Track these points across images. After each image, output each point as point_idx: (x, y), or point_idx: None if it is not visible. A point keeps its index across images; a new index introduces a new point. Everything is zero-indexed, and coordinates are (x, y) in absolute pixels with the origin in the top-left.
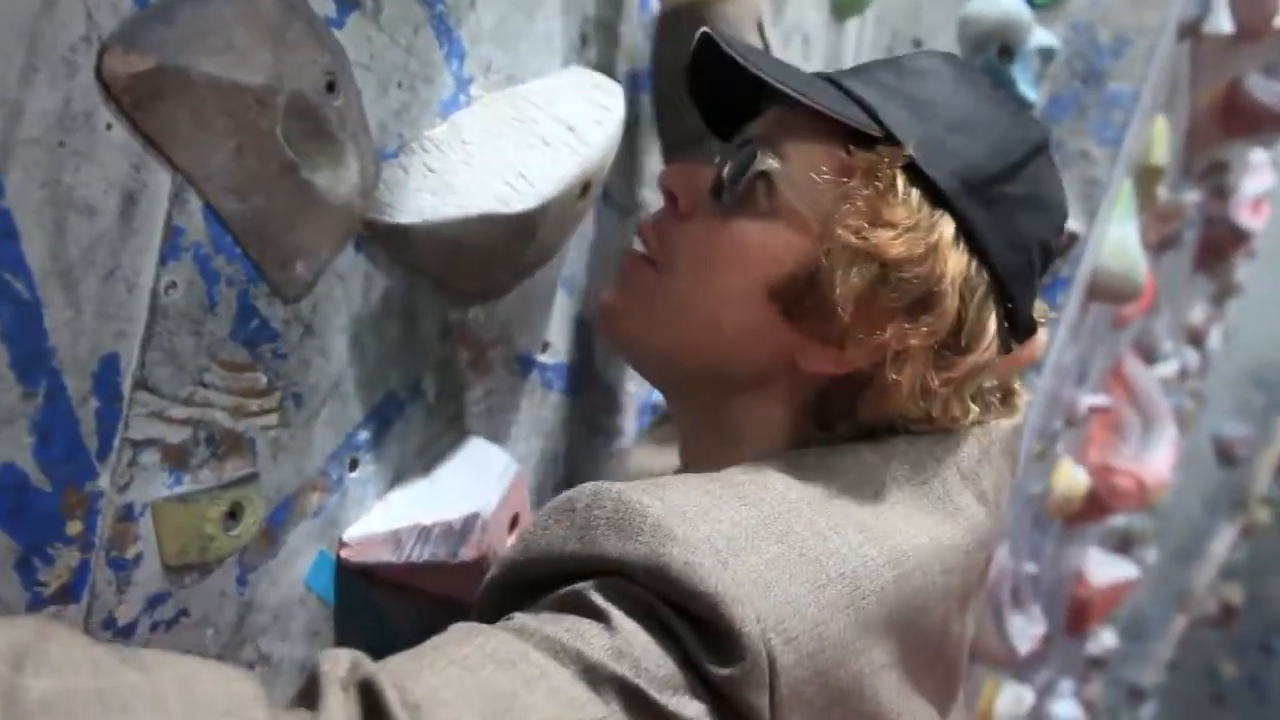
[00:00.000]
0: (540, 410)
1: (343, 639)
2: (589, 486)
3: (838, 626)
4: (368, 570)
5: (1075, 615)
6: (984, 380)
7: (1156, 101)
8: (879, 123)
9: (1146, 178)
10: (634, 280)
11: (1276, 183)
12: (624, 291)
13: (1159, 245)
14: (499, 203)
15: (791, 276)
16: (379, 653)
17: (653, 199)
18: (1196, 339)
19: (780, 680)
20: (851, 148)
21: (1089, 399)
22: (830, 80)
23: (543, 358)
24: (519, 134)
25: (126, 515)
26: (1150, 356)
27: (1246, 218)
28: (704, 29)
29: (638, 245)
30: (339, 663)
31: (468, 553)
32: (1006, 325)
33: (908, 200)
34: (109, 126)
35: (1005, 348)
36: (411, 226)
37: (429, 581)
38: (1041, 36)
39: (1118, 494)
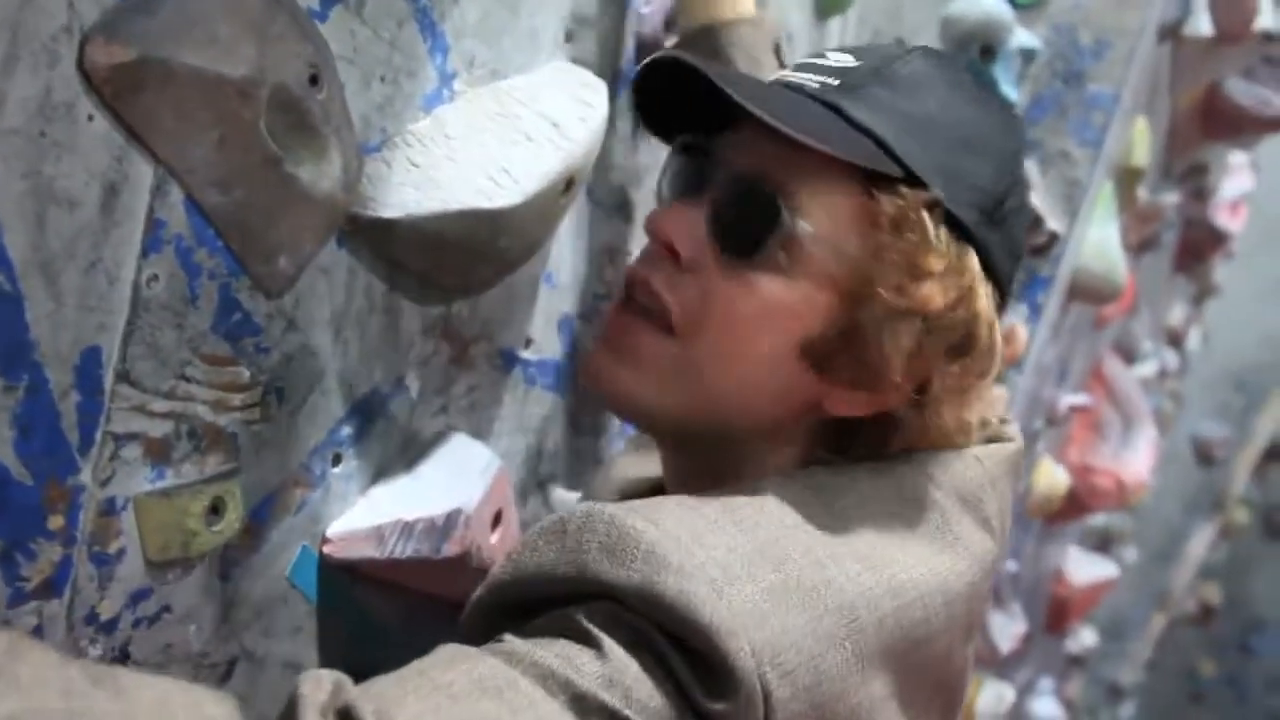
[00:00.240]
0: (523, 406)
1: (325, 635)
2: (582, 508)
3: (836, 659)
4: (351, 566)
5: (1055, 614)
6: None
7: (1137, 103)
8: (897, 160)
9: (1127, 179)
10: (639, 345)
11: (1255, 185)
12: (626, 357)
13: (1139, 246)
14: (482, 198)
15: (824, 335)
16: (362, 648)
17: (637, 196)
18: (1176, 340)
19: (776, 715)
20: (874, 191)
21: (1069, 398)
22: (827, 105)
23: (526, 354)
24: (502, 129)
25: (108, 510)
26: (1130, 357)
27: (1225, 219)
28: (676, 55)
29: (627, 295)
30: (320, 685)
31: (450, 548)
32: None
33: (939, 244)
34: (90, 117)
35: None
36: (395, 221)
37: (412, 577)
38: (1023, 37)
39: (1097, 493)
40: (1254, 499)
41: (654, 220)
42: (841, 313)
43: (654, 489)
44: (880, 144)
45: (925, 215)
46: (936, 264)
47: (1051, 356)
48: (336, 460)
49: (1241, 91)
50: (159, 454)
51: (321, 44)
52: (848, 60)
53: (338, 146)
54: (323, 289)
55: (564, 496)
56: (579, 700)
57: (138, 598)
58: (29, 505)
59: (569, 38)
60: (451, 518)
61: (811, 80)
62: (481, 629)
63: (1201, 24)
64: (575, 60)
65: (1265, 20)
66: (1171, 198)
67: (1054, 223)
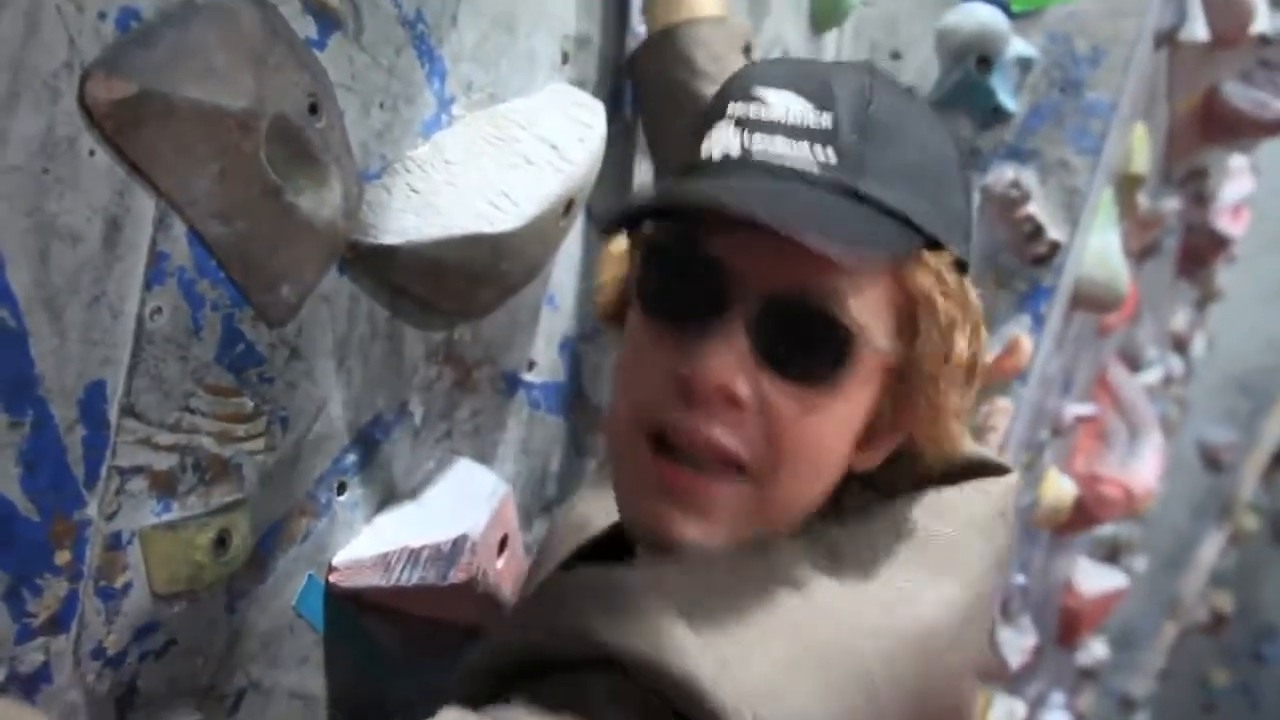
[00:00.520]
0: (527, 430)
1: (333, 664)
2: (588, 572)
3: None
4: (357, 594)
5: (1065, 626)
6: None
7: (1135, 110)
8: (917, 229)
9: (1126, 186)
10: (711, 498)
11: (1256, 188)
12: (697, 511)
13: (1141, 253)
14: (483, 222)
15: (878, 417)
16: (370, 677)
17: None
18: (1180, 345)
19: None
20: (906, 270)
21: (1074, 408)
22: (837, 187)
23: (529, 377)
24: (502, 153)
25: (115, 544)
26: (1135, 364)
27: (1227, 223)
28: (720, 203)
29: (666, 443)
30: None
31: (457, 575)
32: None
33: (959, 292)
34: (92, 152)
35: None
36: (396, 247)
37: (418, 604)
38: (1019, 46)
39: (1105, 503)
40: (1263, 504)
41: (700, 371)
42: (888, 387)
43: (608, 524)
44: (900, 218)
45: (948, 271)
46: (961, 314)
47: (1056, 367)
48: (341, 488)
49: (1239, 95)
50: (165, 486)
51: (320, 72)
52: (820, 119)
53: (338, 174)
54: (325, 317)
55: None
56: None
57: (144, 631)
58: (35, 541)
59: (566, 60)
60: (458, 544)
61: (794, 155)
62: (482, 690)
63: (1198, 29)
64: (573, 82)
65: (1261, 24)
66: (1172, 203)
67: (1055, 232)
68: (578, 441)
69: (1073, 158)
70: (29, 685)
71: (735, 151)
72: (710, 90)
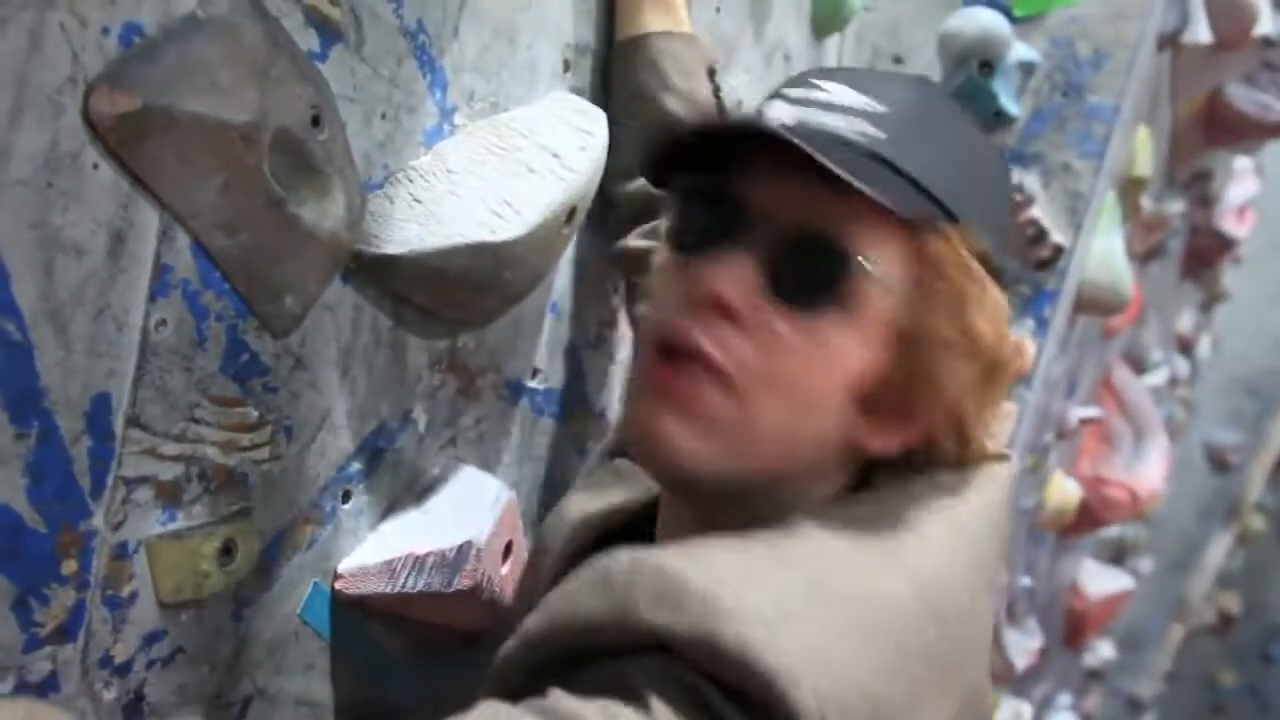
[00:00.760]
0: (531, 436)
1: (338, 671)
2: (624, 555)
3: (891, 693)
4: (362, 601)
5: (1072, 628)
6: None
7: (1138, 113)
8: (942, 207)
9: (1130, 189)
10: (701, 402)
11: (1260, 189)
12: (687, 412)
13: (1145, 255)
14: (485, 231)
15: (879, 377)
16: (375, 683)
17: None
18: (1185, 347)
19: None
20: (923, 234)
21: (1079, 411)
22: (874, 156)
23: (532, 384)
24: (504, 162)
25: (121, 553)
26: (1140, 366)
27: (1231, 225)
28: (756, 122)
29: (665, 348)
30: None
31: (462, 581)
32: None
33: (984, 279)
34: (96, 166)
35: None
36: (399, 257)
37: (424, 611)
38: (1022, 51)
39: (1110, 505)
40: (1270, 505)
41: (700, 276)
42: (896, 353)
43: (607, 519)
44: (927, 193)
45: (969, 254)
46: (984, 298)
47: (1060, 370)
48: (346, 496)
49: (1242, 97)
50: (170, 496)
51: (322, 84)
52: (875, 106)
53: (341, 185)
54: (329, 326)
55: None
56: None
57: (151, 640)
58: (43, 552)
59: (567, 68)
60: (462, 550)
61: (845, 126)
62: (517, 684)
63: (1201, 31)
64: (574, 90)
65: (1264, 26)
66: (1176, 205)
67: (1058, 236)
68: (581, 447)
69: (1076, 161)
70: (37, 694)
71: (789, 120)
72: (674, 105)
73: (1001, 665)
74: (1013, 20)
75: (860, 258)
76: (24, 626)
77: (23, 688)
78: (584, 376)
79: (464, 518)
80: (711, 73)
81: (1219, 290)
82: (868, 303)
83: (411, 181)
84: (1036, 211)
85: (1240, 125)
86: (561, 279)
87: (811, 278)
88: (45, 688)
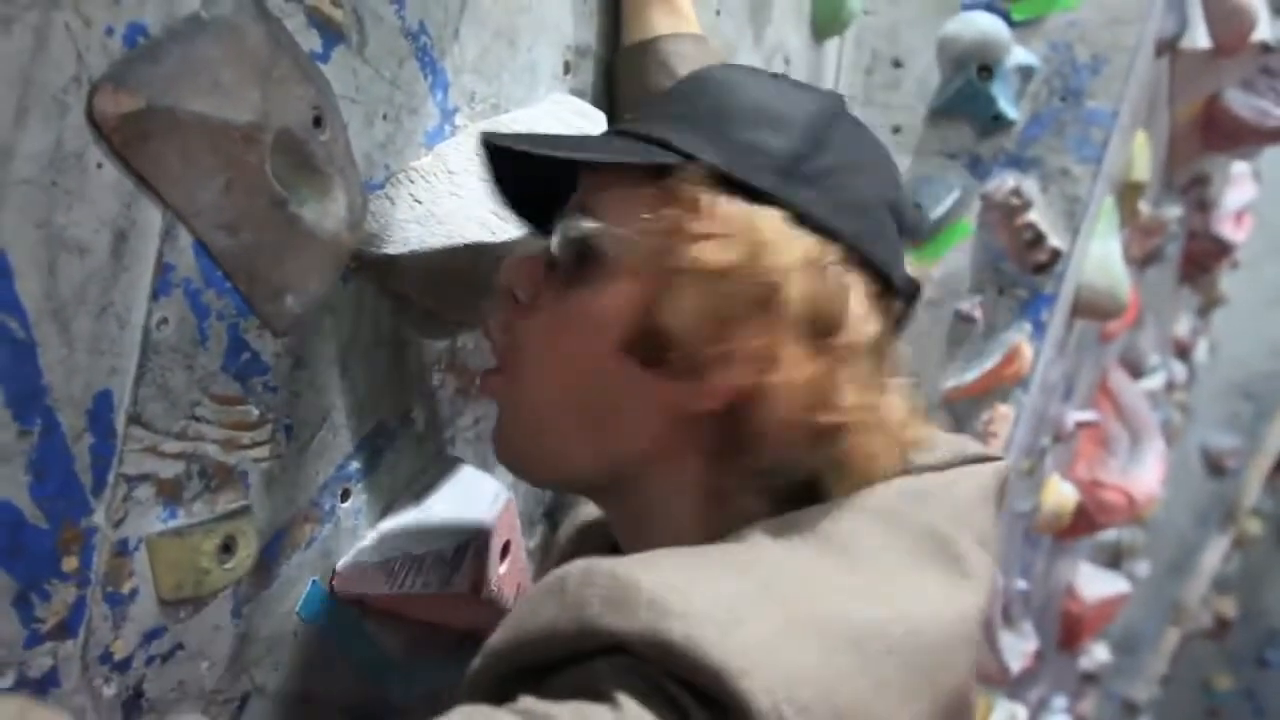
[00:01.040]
0: None
1: (336, 670)
2: (579, 564)
3: (851, 692)
4: (360, 600)
5: (1067, 631)
6: (881, 367)
7: (1136, 118)
8: (673, 149)
9: (1128, 193)
10: (492, 392)
11: (1258, 194)
12: (497, 405)
13: (1143, 260)
14: (486, 232)
15: (636, 325)
16: (373, 681)
17: None
18: (1183, 351)
19: None
20: (659, 182)
21: (1076, 415)
22: (624, 133)
23: None
24: None
25: (122, 550)
26: (1137, 370)
27: (1229, 230)
28: (485, 133)
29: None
30: None
31: (460, 581)
32: (882, 290)
33: (715, 208)
34: (100, 165)
35: (889, 315)
36: (399, 257)
37: (422, 611)
38: (1020, 55)
39: (1107, 509)
40: (1267, 510)
41: (502, 267)
42: (643, 300)
43: (605, 525)
44: (664, 145)
45: (704, 184)
46: (711, 225)
47: (1057, 374)
48: (345, 495)
49: (1241, 103)
50: (171, 494)
51: (324, 85)
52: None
53: (342, 186)
54: (329, 326)
55: None
56: None
57: (151, 636)
58: (44, 548)
59: (568, 70)
60: (461, 550)
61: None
62: (488, 697)
63: (1199, 37)
64: (574, 92)
65: (1263, 32)
66: (1174, 210)
67: (1056, 240)
68: None
69: (1074, 166)
70: (37, 690)
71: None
72: None
73: (996, 668)
74: (1011, 24)
75: (600, 222)
76: (25, 622)
77: (23, 683)
78: None
79: (463, 517)
80: None
81: (1216, 295)
82: (606, 259)
83: (412, 182)
84: (1034, 216)
85: (1238, 130)
86: None
87: (569, 251)
88: (45, 683)
